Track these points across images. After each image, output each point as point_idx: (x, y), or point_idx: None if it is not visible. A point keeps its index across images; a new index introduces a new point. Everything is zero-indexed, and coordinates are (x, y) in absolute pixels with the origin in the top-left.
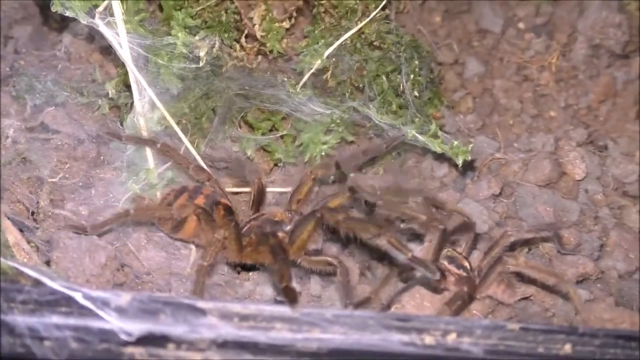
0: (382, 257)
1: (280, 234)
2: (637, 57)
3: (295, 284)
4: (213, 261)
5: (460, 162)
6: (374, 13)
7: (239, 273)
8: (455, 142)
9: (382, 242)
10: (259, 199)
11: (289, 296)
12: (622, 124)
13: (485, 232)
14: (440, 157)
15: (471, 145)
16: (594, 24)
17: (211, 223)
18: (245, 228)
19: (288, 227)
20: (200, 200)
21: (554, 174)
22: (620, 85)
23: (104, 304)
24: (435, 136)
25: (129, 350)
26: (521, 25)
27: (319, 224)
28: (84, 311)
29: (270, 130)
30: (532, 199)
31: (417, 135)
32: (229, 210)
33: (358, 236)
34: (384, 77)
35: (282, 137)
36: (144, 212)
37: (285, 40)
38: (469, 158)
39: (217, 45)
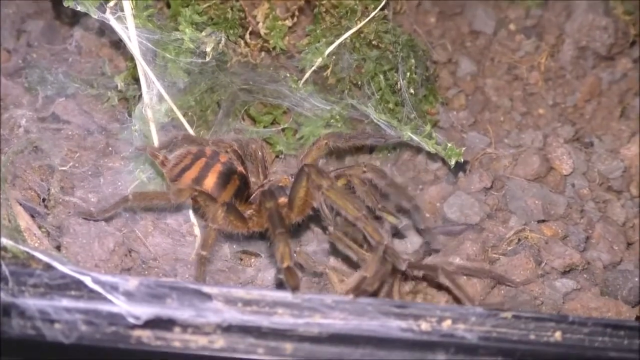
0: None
1: (282, 199)
2: (621, 58)
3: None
4: (211, 250)
5: (453, 163)
6: (373, 13)
7: (241, 260)
8: (449, 144)
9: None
10: (263, 165)
11: (291, 279)
12: (607, 122)
13: (477, 223)
14: None
15: (464, 148)
16: (581, 27)
17: (210, 205)
18: (252, 197)
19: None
20: (217, 168)
21: (542, 169)
22: (606, 85)
23: (113, 288)
24: (429, 137)
25: (137, 333)
26: (512, 27)
27: (308, 180)
28: (93, 295)
29: (272, 124)
30: (521, 192)
31: (412, 136)
32: (244, 179)
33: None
34: (381, 76)
35: (283, 130)
36: (142, 197)
37: (287, 38)
38: (462, 160)
39: (222, 42)
